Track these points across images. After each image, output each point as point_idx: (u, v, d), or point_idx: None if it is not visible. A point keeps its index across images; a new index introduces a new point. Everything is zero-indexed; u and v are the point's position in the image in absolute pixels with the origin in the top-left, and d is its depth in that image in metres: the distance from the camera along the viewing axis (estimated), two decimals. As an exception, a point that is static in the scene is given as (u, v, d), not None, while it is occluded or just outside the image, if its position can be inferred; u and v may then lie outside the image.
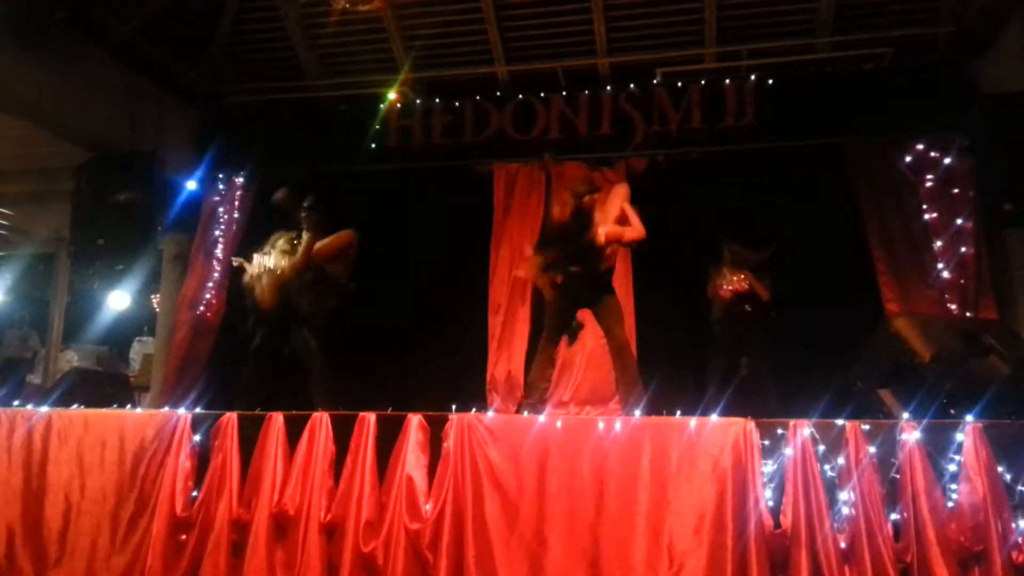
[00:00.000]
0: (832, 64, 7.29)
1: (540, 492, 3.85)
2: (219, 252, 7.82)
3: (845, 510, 3.57)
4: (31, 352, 9.85)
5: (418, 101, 7.89)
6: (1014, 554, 3.42)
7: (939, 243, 6.61)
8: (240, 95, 8.31)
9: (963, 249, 6.54)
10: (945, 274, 6.51)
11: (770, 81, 7.21)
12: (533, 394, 5.30)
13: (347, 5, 6.21)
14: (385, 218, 7.58)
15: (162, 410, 4.56)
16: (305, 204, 5.67)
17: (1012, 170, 5.84)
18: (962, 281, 6.48)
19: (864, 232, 6.78)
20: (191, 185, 7.83)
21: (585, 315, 5.51)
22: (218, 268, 7.77)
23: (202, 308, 7.64)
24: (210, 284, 7.73)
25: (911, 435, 3.60)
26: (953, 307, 6.44)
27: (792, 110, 7.10)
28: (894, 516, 3.58)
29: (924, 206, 6.72)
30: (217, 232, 7.89)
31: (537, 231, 7.01)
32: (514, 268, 7.16)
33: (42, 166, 7.56)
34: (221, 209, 7.96)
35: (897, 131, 6.89)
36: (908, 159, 6.83)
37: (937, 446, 3.61)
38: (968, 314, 6.30)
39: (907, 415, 3.96)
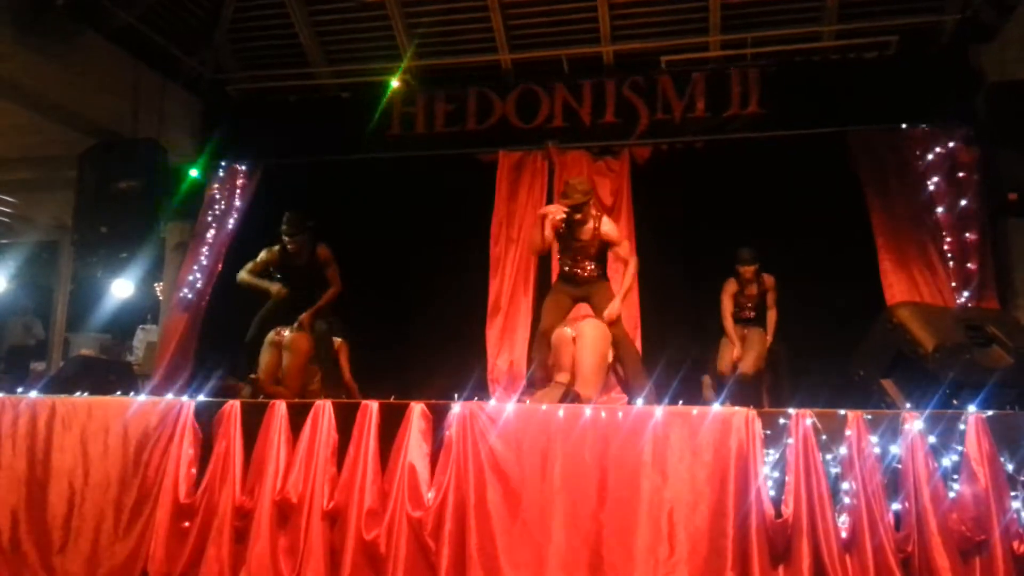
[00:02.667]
0: (837, 52, 7.26)
1: (542, 480, 3.85)
2: (220, 239, 7.82)
3: (847, 500, 3.57)
4: (34, 340, 9.87)
5: (421, 89, 7.88)
6: (1015, 544, 3.42)
7: (944, 232, 6.59)
8: (242, 82, 8.30)
9: (968, 238, 6.52)
10: (950, 263, 6.50)
11: (774, 69, 7.18)
12: (538, 372, 5.29)
13: None
14: (388, 206, 7.58)
15: (166, 397, 4.57)
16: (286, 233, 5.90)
17: (1017, 159, 5.82)
18: (967, 270, 6.46)
19: (869, 221, 6.76)
20: (193, 173, 7.83)
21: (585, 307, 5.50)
22: (217, 255, 7.77)
23: (198, 294, 7.65)
24: (207, 271, 7.74)
25: (913, 425, 3.60)
26: (957, 296, 6.42)
27: (797, 99, 7.07)
28: (895, 506, 3.58)
29: (929, 195, 6.70)
30: (218, 219, 7.89)
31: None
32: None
33: (45, 154, 7.57)
34: (223, 196, 7.96)
35: (902, 120, 6.86)
36: (913, 148, 6.80)
37: (939, 436, 3.61)
38: (972, 303, 6.29)
39: (909, 405, 3.96)
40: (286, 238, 5.86)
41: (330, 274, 5.99)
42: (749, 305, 6.32)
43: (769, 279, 6.29)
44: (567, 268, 5.37)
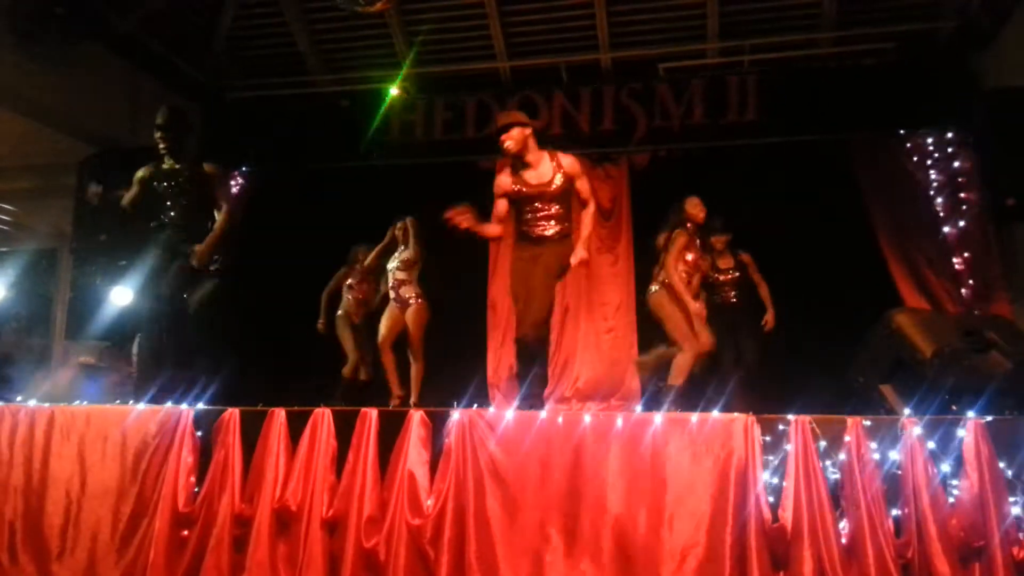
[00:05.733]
0: (835, 59, 7.29)
1: (541, 487, 3.84)
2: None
3: (846, 506, 3.57)
4: (28, 347, 9.82)
5: (420, 97, 7.89)
6: (1015, 550, 3.42)
7: (945, 238, 6.62)
8: (242, 90, 8.32)
9: (968, 243, 6.55)
10: (952, 268, 6.53)
11: (772, 76, 7.20)
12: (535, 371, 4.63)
13: (355, 7, 6.19)
14: (387, 213, 7.57)
15: (164, 405, 4.56)
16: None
17: (1015, 165, 5.84)
18: (969, 276, 6.49)
19: (869, 226, 6.78)
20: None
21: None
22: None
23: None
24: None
25: (912, 431, 3.60)
26: (965, 301, 6.45)
27: (794, 105, 7.09)
28: (895, 512, 3.57)
29: (930, 200, 6.72)
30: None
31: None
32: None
33: (44, 162, 7.57)
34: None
35: (900, 126, 6.89)
36: (912, 154, 6.83)
37: (938, 442, 3.61)
38: (975, 309, 6.31)
39: (908, 411, 3.96)
40: (158, 134, 4.99)
41: (219, 193, 5.09)
42: (727, 286, 6.25)
43: (746, 256, 6.28)
44: (526, 229, 4.62)
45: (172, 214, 5.07)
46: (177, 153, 5.07)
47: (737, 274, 6.29)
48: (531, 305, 4.50)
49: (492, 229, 4.71)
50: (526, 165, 4.61)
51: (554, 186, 4.56)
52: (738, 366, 6.16)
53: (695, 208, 5.41)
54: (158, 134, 5.03)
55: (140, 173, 5.19)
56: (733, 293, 6.30)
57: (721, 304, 6.25)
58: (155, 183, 5.13)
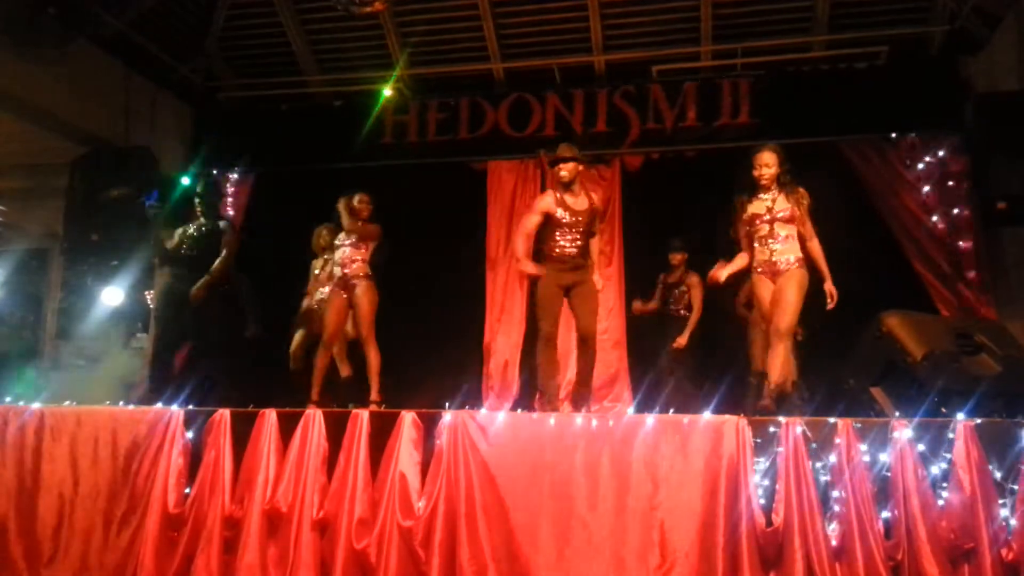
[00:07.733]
0: (827, 63, 7.31)
1: (533, 489, 3.85)
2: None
3: (837, 508, 3.58)
4: (18, 347, 9.75)
5: (413, 98, 7.89)
6: (1004, 551, 3.44)
7: (934, 240, 6.65)
8: (234, 90, 8.30)
9: (961, 246, 6.58)
10: (942, 270, 6.56)
11: (765, 79, 7.22)
12: (549, 398, 4.87)
13: (348, 9, 6.19)
14: (380, 215, 7.56)
15: (155, 407, 4.55)
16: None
17: (1005, 169, 5.87)
18: (959, 278, 6.52)
19: (860, 228, 6.80)
20: (185, 181, 7.80)
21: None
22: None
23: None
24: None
25: (902, 433, 3.62)
26: (950, 303, 6.47)
27: (787, 108, 7.11)
28: (885, 514, 3.59)
29: (922, 203, 6.75)
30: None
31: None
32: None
33: (35, 161, 7.54)
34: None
35: (892, 129, 6.91)
36: (903, 157, 6.86)
37: (928, 444, 3.63)
38: (964, 312, 6.33)
39: (898, 413, 3.97)
40: (198, 200, 5.98)
41: (226, 239, 5.79)
42: (675, 297, 6.50)
43: (694, 279, 6.36)
44: (557, 249, 4.93)
45: (189, 260, 5.80)
46: (205, 215, 5.94)
47: (685, 290, 6.46)
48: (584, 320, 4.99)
49: (532, 269, 5.03)
50: (571, 193, 5.05)
51: (589, 216, 5.05)
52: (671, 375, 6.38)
53: (754, 168, 4.93)
54: (197, 200, 6.00)
55: (179, 230, 5.96)
56: (683, 311, 6.47)
57: (671, 315, 6.51)
58: (183, 232, 5.91)
